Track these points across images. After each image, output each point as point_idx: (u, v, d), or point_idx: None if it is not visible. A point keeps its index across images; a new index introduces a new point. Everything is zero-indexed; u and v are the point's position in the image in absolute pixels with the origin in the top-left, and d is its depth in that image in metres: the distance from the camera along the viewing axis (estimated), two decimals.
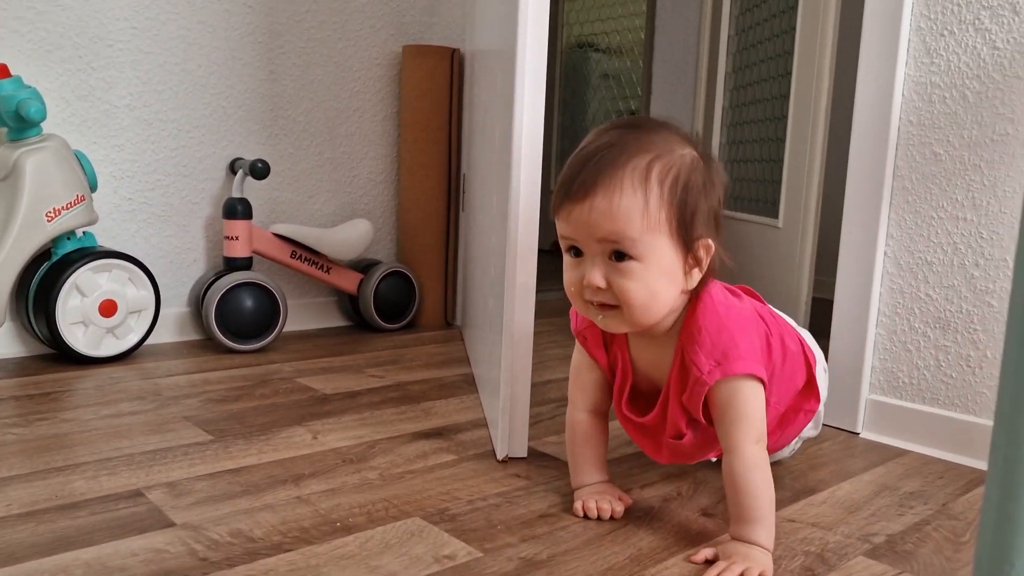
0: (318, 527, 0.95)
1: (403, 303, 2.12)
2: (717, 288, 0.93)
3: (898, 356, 1.38)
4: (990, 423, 1.27)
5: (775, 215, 2.37)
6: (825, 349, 1.46)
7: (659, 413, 0.98)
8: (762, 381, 0.91)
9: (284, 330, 1.99)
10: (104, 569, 0.83)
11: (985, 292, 1.28)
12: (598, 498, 1.02)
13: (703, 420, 0.94)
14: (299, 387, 1.55)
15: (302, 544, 0.91)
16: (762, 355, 0.93)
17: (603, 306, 0.88)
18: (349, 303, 2.14)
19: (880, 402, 1.40)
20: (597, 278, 0.85)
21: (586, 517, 1.01)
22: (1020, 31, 1.23)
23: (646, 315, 0.87)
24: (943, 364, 1.33)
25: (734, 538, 0.91)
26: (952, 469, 1.26)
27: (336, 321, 2.18)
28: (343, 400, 1.48)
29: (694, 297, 0.91)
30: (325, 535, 0.93)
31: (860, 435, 1.40)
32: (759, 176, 2.56)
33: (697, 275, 0.89)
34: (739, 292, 1.00)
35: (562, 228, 0.87)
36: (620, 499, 1.03)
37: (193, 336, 1.92)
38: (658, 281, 0.85)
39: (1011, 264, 1.25)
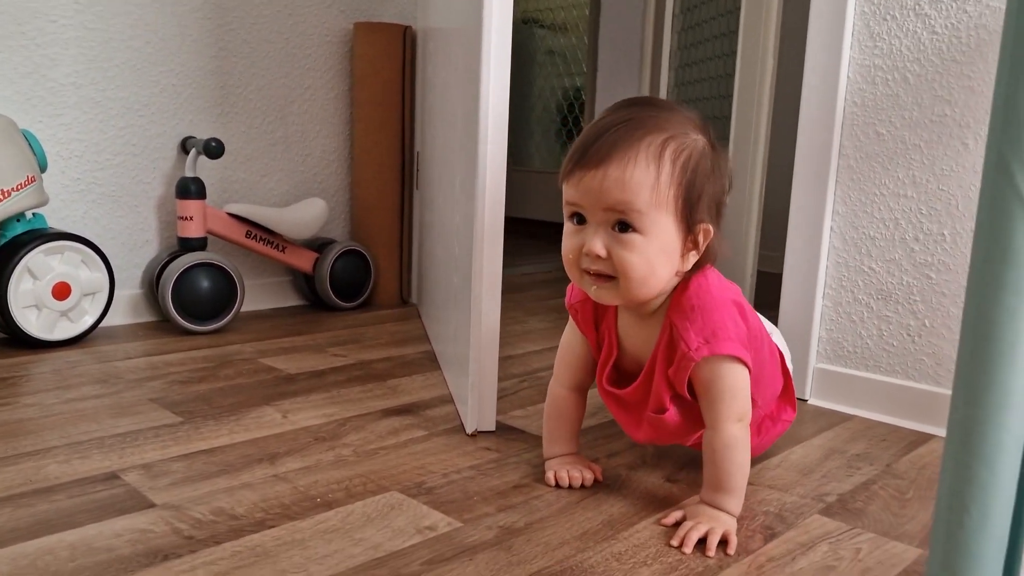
0: (299, 503, 0.97)
1: (359, 282, 2.13)
2: (714, 273, 0.94)
3: (843, 326, 1.45)
4: (930, 388, 1.36)
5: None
6: (774, 321, 1.53)
7: (642, 385, 0.99)
8: (747, 365, 0.93)
9: (240, 311, 1.98)
10: (90, 550, 0.84)
11: (924, 265, 1.36)
12: (569, 467, 1.06)
13: (687, 395, 0.96)
14: (262, 367, 1.56)
15: (285, 520, 0.93)
16: (748, 345, 0.94)
17: (599, 276, 0.89)
18: (304, 282, 2.14)
19: (826, 370, 1.47)
20: (598, 246, 0.86)
21: (558, 486, 1.05)
22: (958, 17, 1.30)
23: (642, 289, 0.88)
24: (885, 333, 1.40)
25: (703, 501, 0.96)
26: (894, 432, 1.34)
27: (291, 300, 2.18)
28: (308, 379, 1.49)
29: (688, 278, 0.93)
30: (307, 511, 0.96)
31: (808, 402, 1.48)
32: None
33: (693, 258, 0.90)
34: (735, 285, 1.01)
35: (569, 194, 0.88)
36: (589, 468, 1.07)
37: (147, 318, 1.89)
38: (658, 257, 0.86)
39: (948, 238, 1.33)
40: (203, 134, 1.94)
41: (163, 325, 1.85)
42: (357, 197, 2.20)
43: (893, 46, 1.36)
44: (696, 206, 0.88)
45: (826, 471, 1.16)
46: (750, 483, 1.10)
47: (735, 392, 0.92)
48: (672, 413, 0.98)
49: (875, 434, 1.32)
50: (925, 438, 1.31)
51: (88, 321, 1.67)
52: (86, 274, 1.66)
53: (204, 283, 1.79)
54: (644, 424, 1.02)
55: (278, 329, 1.89)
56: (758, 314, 1.05)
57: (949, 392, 1.32)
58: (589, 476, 1.06)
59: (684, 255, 0.90)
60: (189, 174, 1.82)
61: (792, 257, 1.49)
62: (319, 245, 2.11)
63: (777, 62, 2.22)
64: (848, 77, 1.41)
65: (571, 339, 1.07)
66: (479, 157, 1.17)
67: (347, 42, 2.18)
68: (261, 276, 2.10)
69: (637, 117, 0.87)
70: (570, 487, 1.05)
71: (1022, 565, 0.56)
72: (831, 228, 1.45)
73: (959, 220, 1.32)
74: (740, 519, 0.98)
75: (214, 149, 1.78)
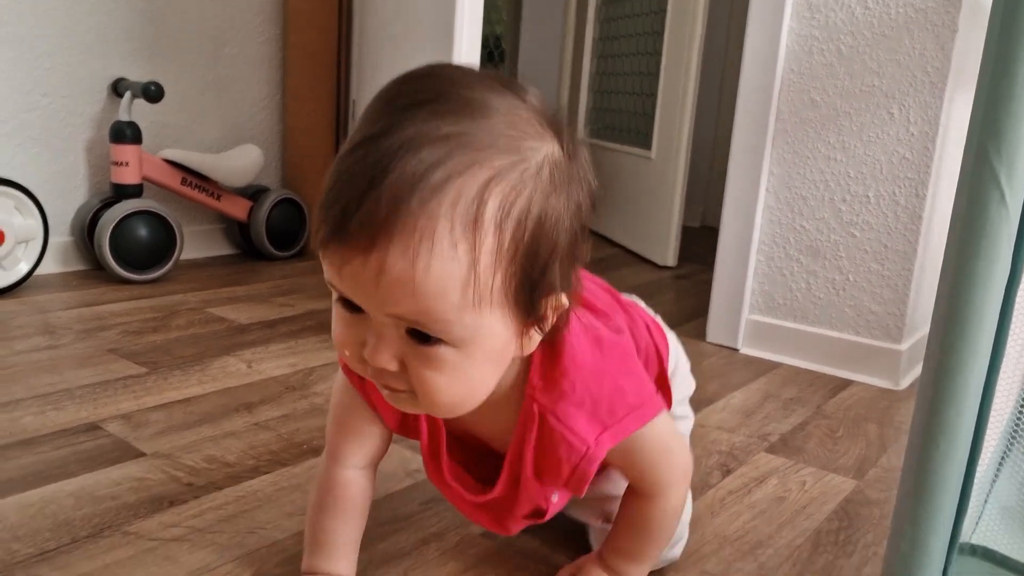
0: (286, 450, 1.01)
1: (294, 231, 2.12)
2: (573, 323, 0.62)
3: (775, 280, 1.57)
4: (851, 337, 1.49)
5: (648, 147, 2.52)
6: (711, 276, 1.63)
7: (506, 490, 0.69)
8: (664, 406, 0.69)
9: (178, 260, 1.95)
10: (94, 498, 0.85)
11: (850, 224, 1.47)
12: None
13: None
14: (212, 318, 1.56)
15: (277, 466, 0.96)
16: (647, 373, 0.72)
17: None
18: (239, 231, 2.11)
19: (758, 321, 1.58)
20: (384, 359, 0.54)
21: None
22: None
23: (456, 410, 0.57)
24: (812, 287, 1.53)
25: (607, 567, 0.75)
26: (819, 378, 1.46)
27: (223, 249, 2.15)
28: (262, 330, 1.50)
29: (545, 344, 0.61)
30: (296, 457, 0.99)
31: (740, 351, 1.59)
32: (631, 108, 2.69)
33: (536, 338, 0.58)
34: (596, 284, 0.73)
35: (331, 274, 0.53)
36: None
37: (78, 266, 1.84)
38: (481, 368, 0.55)
39: (872, 200, 1.45)
40: (134, 76, 1.87)
41: (96, 274, 1.81)
42: (290, 144, 2.17)
43: (829, 18, 1.46)
44: (540, 283, 0.54)
45: (765, 413, 1.27)
46: (701, 425, 1.20)
47: (669, 448, 0.69)
48: (558, 505, 0.73)
49: (803, 380, 1.45)
50: (847, 383, 1.44)
51: (23, 269, 1.62)
52: (19, 220, 1.61)
53: (142, 231, 1.76)
54: (516, 524, 0.74)
55: (217, 279, 1.87)
56: (635, 300, 0.83)
57: (868, 341, 1.46)
58: None
59: (523, 337, 0.57)
60: (124, 118, 1.76)
61: (729, 214, 1.59)
62: (253, 193, 2.08)
63: (706, 21, 2.30)
64: (786, 46, 1.50)
65: (352, 400, 0.71)
66: None
67: None
68: (192, 224, 2.07)
69: (433, 136, 0.49)
70: None
71: (972, 487, 0.66)
72: (766, 188, 1.55)
73: (883, 183, 1.44)
74: (697, 458, 1.07)
75: (153, 93, 1.73)
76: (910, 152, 1.41)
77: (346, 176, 0.50)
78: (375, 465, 0.75)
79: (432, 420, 0.69)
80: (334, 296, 0.56)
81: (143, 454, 0.97)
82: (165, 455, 0.97)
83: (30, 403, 1.09)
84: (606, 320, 0.68)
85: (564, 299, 0.57)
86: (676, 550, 0.83)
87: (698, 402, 1.29)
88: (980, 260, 0.59)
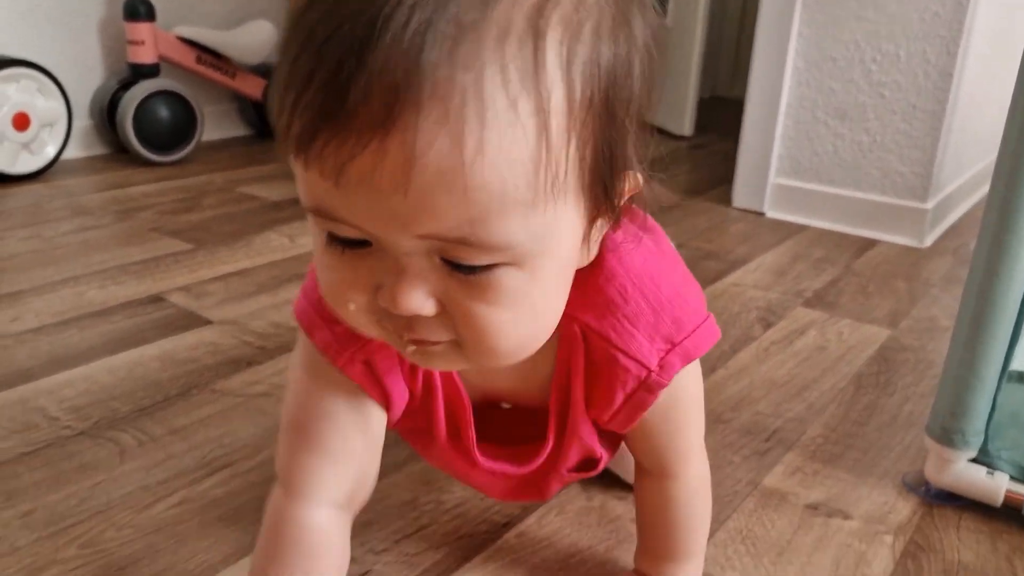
0: None
1: None
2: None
3: (801, 143, 1.58)
4: (878, 198, 1.51)
5: (663, 12, 2.46)
6: (728, 145, 1.64)
7: (553, 451, 0.54)
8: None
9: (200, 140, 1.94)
10: (175, 361, 0.90)
11: (880, 84, 1.47)
12: None
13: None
14: (243, 196, 1.57)
15: None
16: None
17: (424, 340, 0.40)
18: (253, 110, 2.09)
19: (783, 184, 1.60)
20: (417, 299, 0.37)
21: None
22: None
23: (521, 353, 0.41)
24: (839, 149, 1.54)
25: None
26: (845, 239, 1.50)
27: (239, 130, 2.13)
28: (295, 206, 1.52)
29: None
30: None
31: (766, 215, 1.62)
32: None
33: (598, 235, 0.43)
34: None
35: (320, 192, 0.35)
36: None
37: (101, 150, 1.84)
38: (553, 287, 0.40)
39: (903, 58, 1.44)
40: None
41: (118, 156, 1.80)
42: None
43: None
44: (618, 154, 0.38)
45: (797, 272, 1.31)
46: (736, 284, 1.24)
47: (699, 404, 0.55)
48: (606, 458, 0.57)
49: (829, 241, 1.48)
50: (872, 243, 1.48)
51: (50, 152, 1.62)
52: (43, 103, 1.59)
53: (164, 112, 1.74)
54: (553, 485, 0.57)
55: (239, 158, 1.87)
56: None
57: (894, 200, 1.48)
58: None
59: (587, 240, 0.42)
60: None
61: (757, 78, 1.58)
62: (267, 70, 2.05)
63: None
64: None
65: (321, 402, 0.49)
66: None
67: None
68: (207, 104, 2.04)
69: None
70: None
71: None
72: (795, 50, 1.53)
73: (914, 41, 1.43)
74: (737, 313, 1.11)
75: None
76: (942, 8, 1.39)
77: (326, 24, 0.32)
78: (351, 506, 0.51)
79: (451, 388, 0.51)
80: (317, 233, 0.38)
81: (210, 321, 1.00)
82: (231, 322, 1.01)
83: (90, 279, 1.12)
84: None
85: (639, 177, 0.41)
86: None
87: (731, 263, 1.32)
88: None
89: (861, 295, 1.22)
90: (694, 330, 0.48)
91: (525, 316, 0.39)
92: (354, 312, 0.39)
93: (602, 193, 0.39)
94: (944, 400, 0.71)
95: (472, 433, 0.53)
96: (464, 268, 0.36)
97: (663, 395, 0.49)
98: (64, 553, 0.61)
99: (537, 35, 0.33)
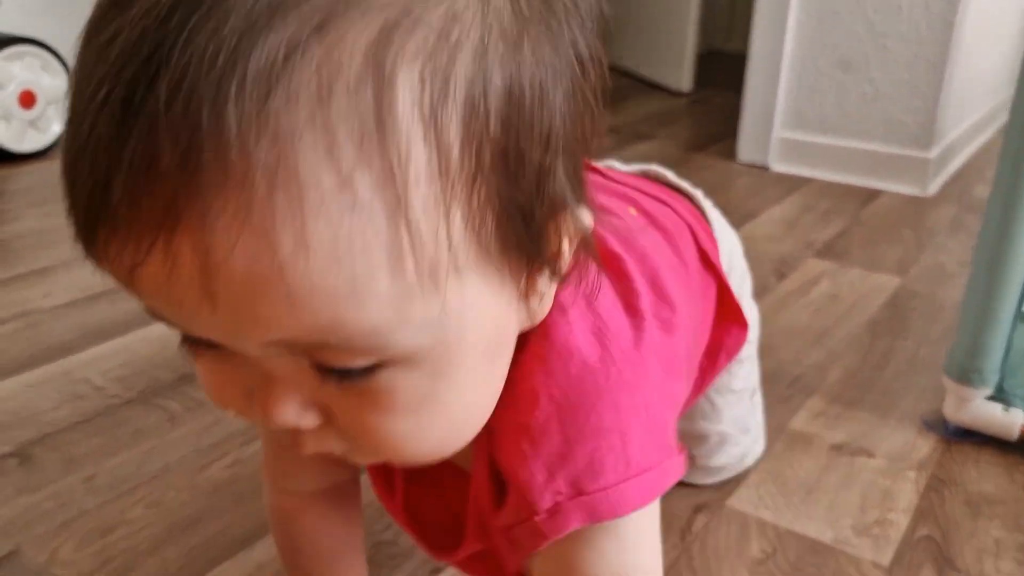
0: None
1: None
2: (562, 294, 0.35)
3: (804, 96, 1.59)
4: (881, 148, 1.53)
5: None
6: (739, 98, 1.65)
7: (478, 543, 0.44)
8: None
9: None
10: None
11: (882, 35, 1.48)
12: None
13: None
14: None
15: None
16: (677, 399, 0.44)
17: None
18: None
19: (787, 138, 1.62)
20: (290, 412, 0.30)
21: None
22: None
23: (448, 448, 0.33)
24: (843, 101, 1.55)
25: None
26: (850, 190, 1.52)
27: None
28: None
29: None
30: None
31: (771, 168, 1.64)
32: None
33: (550, 288, 0.33)
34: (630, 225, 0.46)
35: (135, 292, 0.26)
36: None
37: None
38: (474, 378, 0.31)
39: (904, 9, 1.45)
40: None
41: None
42: None
43: None
44: (537, 202, 0.28)
45: (806, 224, 1.33)
46: (748, 237, 1.26)
47: (643, 563, 0.40)
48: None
49: (835, 192, 1.50)
50: (877, 193, 1.50)
51: (57, 130, 1.62)
52: (48, 80, 1.59)
53: None
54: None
55: None
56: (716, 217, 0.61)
57: (897, 150, 1.50)
58: None
59: (530, 294, 0.32)
60: None
61: (759, 32, 1.59)
62: None
63: None
64: None
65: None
66: None
67: None
68: None
69: None
70: None
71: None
72: (797, 3, 1.54)
73: None
74: (751, 266, 1.13)
75: None
76: None
77: (91, 74, 0.24)
78: (343, 493, 0.48)
79: (385, 471, 0.46)
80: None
81: None
82: None
83: None
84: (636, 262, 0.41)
85: (584, 216, 0.31)
86: (748, 460, 0.72)
87: (742, 216, 1.35)
88: None
89: (869, 244, 1.25)
90: (620, 483, 0.35)
91: (436, 419, 0.30)
92: (240, 415, 0.32)
93: (526, 249, 0.29)
94: (963, 341, 0.74)
95: (400, 493, 0.46)
96: (338, 372, 0.27)
97: (561, 549, 0.37)
98: (131, 514, 0.64)
99: (380, 76, 0.24)
